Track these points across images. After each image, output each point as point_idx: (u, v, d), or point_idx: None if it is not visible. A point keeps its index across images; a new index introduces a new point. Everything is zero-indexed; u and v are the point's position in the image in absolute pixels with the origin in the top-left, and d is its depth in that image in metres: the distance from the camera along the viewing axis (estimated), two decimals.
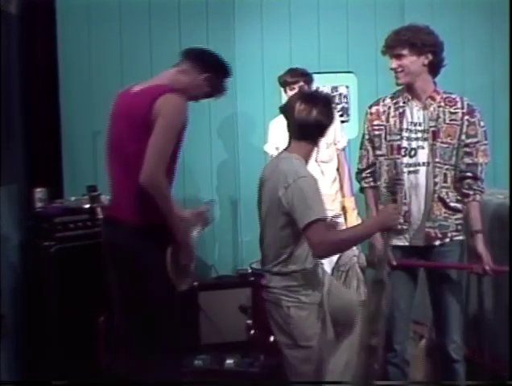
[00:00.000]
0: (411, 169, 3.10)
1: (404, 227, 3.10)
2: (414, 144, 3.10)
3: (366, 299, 2.75)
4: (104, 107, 4.47)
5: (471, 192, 3.09)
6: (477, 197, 3.09)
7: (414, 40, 3.04)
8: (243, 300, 4.27)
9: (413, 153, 3.09)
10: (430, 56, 3.07)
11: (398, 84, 3.14)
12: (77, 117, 4.46)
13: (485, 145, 3.13)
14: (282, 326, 2.79)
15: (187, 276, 3.02)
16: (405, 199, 3.10)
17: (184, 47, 3.78)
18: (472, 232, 3.07)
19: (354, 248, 3.17)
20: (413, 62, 3.06)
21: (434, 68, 3.12)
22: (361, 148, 3.28)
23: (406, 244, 3.13)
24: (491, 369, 3.30)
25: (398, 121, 3.14)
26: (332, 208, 4.20)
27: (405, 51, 3.06)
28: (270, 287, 2.82)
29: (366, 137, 3.24)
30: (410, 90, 3.13)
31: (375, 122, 3.20)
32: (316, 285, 2.84)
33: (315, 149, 2.86)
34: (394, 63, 3.08)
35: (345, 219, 4.31)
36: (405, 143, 3.10)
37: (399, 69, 3.08)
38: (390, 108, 3.17)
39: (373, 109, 3.22)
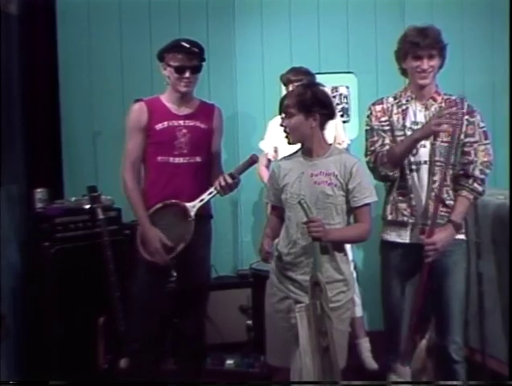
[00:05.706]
0: (414, 167, 3.11)
1: (410, 220, 3.10)
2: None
3: (309, 302, 2.76)
4: (104, 108, 4.52)
5: (460, 187, 3.09)
6: (464, 193, 3.08)
7: (444, 43, 3.06)
8: (243, 300, 4.27)
9: (415, 151, 3.09)
10: (441, 58, 3.09)
11: (422, 84, 3.09)
12: (77, 118, 4.46)
13: (485, 145, 3.12)
14: None
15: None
16: (411, 193, 3.10)
17: None
18: (449, 219, 3.06)
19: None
20: (437, 63, 3.08)
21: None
22: (372, 137, 3.16)
23: (407, 241, 3.13)
24: (491, 369, 3.30)
25: (401, 118, 3.14)
26: None
27: (434, 52, 3.05)
28: None
29: (375, 128, 3.16)
30: (420, 90, 3.12)
31: (382, 118, 3.17)
32: (292, 283, 2.92)
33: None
34: (426, 64, 3.04)
35: None
36: None
37: (430, 69, 3.06)
38: (392, 106, 3.17)
39: (379, 107, 3.19)
